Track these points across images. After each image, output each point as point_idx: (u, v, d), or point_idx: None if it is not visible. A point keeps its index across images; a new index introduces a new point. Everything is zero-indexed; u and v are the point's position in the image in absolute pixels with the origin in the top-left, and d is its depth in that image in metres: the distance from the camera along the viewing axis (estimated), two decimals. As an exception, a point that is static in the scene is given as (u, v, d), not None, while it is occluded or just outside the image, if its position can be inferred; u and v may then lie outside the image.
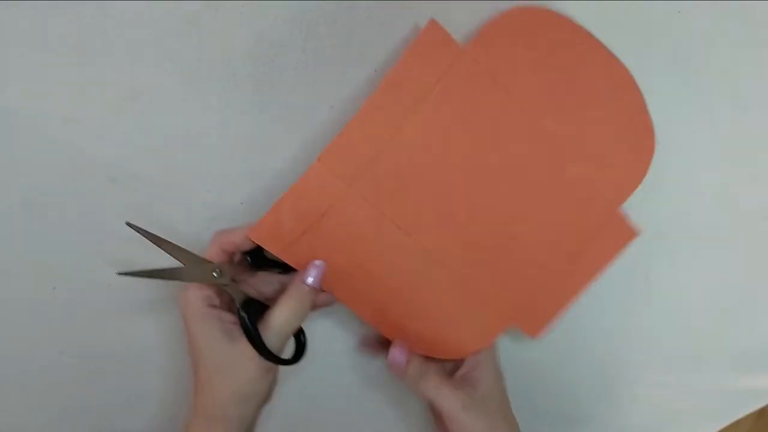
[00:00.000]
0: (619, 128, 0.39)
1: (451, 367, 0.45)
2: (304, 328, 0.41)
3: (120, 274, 0.35)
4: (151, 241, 0.36)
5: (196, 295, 0.37)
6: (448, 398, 0.41)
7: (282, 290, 0.38)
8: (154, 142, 0.39)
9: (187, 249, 0.37)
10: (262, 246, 0.38)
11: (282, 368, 0.40)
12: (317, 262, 0.38)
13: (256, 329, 0.36)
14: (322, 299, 0.41)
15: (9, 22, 0.34)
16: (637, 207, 0.46)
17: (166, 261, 0.36)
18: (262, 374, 0.37)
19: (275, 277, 0.41)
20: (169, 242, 0.36)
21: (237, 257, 0.39)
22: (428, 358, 0.43)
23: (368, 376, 0.52)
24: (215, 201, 0.41)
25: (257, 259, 0.39)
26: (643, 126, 0.39)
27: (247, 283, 0.41)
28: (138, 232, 0.35)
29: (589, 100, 0.38)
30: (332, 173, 0.36)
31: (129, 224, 0.35)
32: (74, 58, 0.35)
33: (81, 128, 0.38)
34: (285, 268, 0.39)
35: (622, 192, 0.41)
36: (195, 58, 0.36)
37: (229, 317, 0.38)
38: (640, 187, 0.45)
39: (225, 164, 0.40)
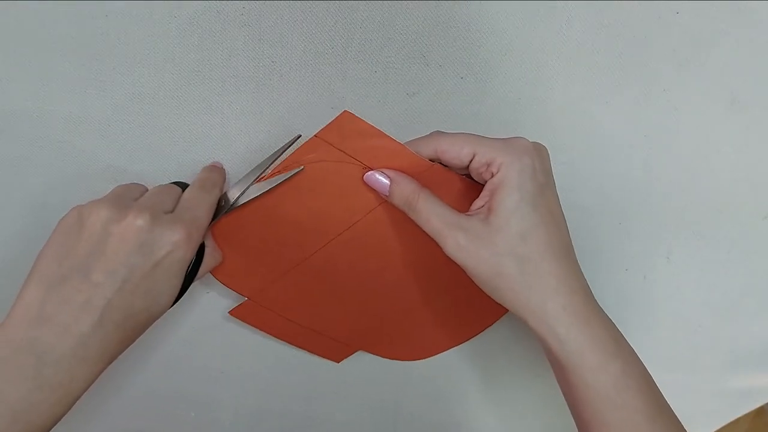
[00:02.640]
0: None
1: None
2: None
3: None
4: None
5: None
6: (438, 217, 0.33)
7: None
8: (155, 143, 0.39)
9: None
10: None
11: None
12: None
13: (195, 273, 0.37)
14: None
15: (10, 22, 0.34)
16: (635, 206, 0.46)
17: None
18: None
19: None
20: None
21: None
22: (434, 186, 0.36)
23: (368, 375, 0.52)
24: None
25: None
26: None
27: None
28: None
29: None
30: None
31: None
32: (75, 59, 0.36)
33: (82, 129, 0.38)
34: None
35: None
36: (196, 59, 0.36)
37: None
38: (637, 187, 0.45)
39: (225, 164, 0.40)
